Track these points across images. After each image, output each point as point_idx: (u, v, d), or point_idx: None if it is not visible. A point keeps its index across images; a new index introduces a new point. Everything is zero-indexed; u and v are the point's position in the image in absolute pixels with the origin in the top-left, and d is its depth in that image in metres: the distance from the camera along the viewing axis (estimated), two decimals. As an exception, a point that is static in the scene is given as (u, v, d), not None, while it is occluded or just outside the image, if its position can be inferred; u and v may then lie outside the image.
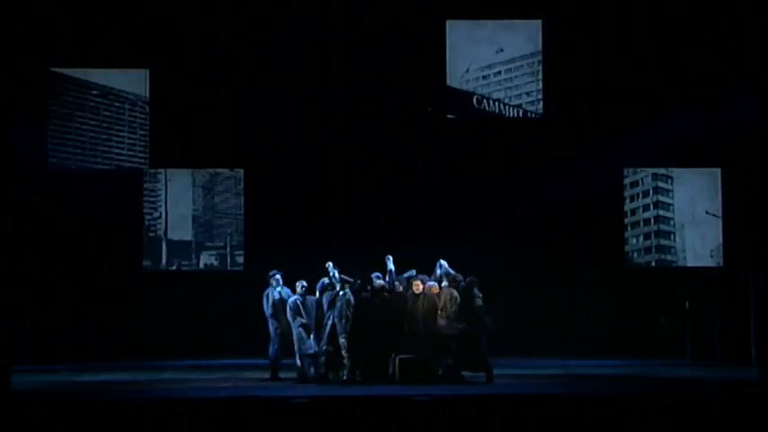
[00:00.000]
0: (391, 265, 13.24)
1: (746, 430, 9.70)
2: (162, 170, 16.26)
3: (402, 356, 12.64)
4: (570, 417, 10.00)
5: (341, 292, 12.81)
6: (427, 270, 13.22)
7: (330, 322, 12.81)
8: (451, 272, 13.00)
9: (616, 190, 16.34)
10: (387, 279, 13.13)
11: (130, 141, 16.00)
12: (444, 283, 12.86)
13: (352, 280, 12.93)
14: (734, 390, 11.90)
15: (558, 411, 10.17)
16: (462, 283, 12.82)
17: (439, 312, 12.62)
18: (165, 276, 16.26)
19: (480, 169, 16.38)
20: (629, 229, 16.43)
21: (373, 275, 13.09)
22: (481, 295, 12.77)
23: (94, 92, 15.87)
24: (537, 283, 16.17)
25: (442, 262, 13.13)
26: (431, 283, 12.98)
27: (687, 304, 16.20)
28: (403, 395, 11.23)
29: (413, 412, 10.34)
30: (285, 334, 13.14)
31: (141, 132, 15.99)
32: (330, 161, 16.33)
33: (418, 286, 12.83)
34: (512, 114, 16.00)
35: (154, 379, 13.52)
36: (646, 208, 16.42)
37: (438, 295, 12.75)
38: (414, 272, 13.17)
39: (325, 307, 12.96)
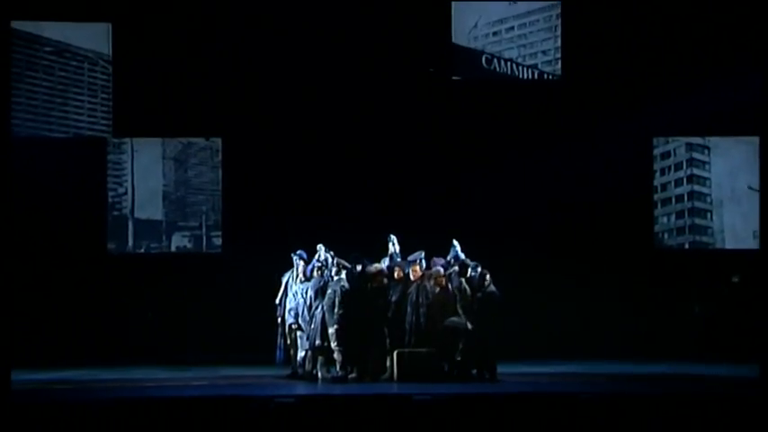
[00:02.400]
0: (393, 247, 13.23)
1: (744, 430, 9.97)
2: (127, 139, 16.25)
3: (400, 350, 12.67)
4: (569, 417, 10.12)
5: (335, 278, 12.81)
6: (433, 251, 13.23)
7: (319, 313, 12.82)
8: (461, 256, 13.01)
9: (644, 162, 16.35)
10: (389, 262, 13.15)
11: (90, 106, 15.98)
12: (455, 269, 12.88)
13: (349, 265, 12.94)
14: (732, 389, 12.04)
15: (560, 411, 10.27)
16: (473, 272, 12.83)
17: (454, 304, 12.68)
18: (131, 260, 16.24)
19: (489, 138, 16.30)
20: (659, 206, 16.48)
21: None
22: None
23: (48, 48, 15.85)
24: (553, 267, 16.14)
25: (455, 243, 13.15)
26: (438, 267, 12.99)
27: (726, 292, 16.21)
28: (401, 394, 11.33)
29: (412, 412, 10.33)
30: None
31: (103, 96, 15.96)
32: (320, 129, 16.27)
33: (416, 272, 12.86)
34: (526, 76, 15.97)
35: (120, 377, 13.52)
36: (678, 183, 16.45)
37: (444, 284, 12.77)
38: (422, 254, 13.17)
39: (313, 295, 12.97)
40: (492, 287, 12.82)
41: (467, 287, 12.73)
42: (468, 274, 12.83)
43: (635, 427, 10.13)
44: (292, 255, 13.43)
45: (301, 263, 13.31)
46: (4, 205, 11.93)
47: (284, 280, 13.53)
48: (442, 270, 12.98)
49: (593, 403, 10.54)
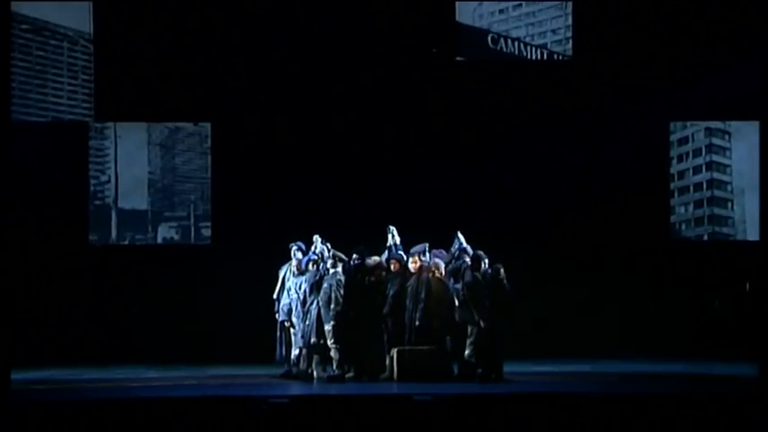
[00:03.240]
0: (393, 239, 13.20)
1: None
2: (110, 124, 16.29)
3: (400, 348, 12.66)
4: (569, 416, 10.22)
5: (331, 271, 12.80)
6: (436, 243, 13.21)
7: (314, 309, 12.83)
8: (469, 249, 12.99)
9: (661, 148, 16.32)
10: (387, 255, 13.14)
11: (71, 88, 15.97)
12: (462, 261, 12.86)
13: (346, 258, 12.92)
14: (732, 389, 12.15)
15: (561, 411, 10.36)
16: (486, 268, 12.82)
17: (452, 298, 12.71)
18: (115, 253, 16.27)
19: (495, 122, 16.36)
20: (676, 195, 16.47)
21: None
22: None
23: (24, 26, 15.82)
24: (561, 260, 16.18)
25: (459, 235, 13.12)
26: (437, 260, 12.97)
27: (748, 287, 16.18)
28: (401, 394, 11.36)
29: (412, 413, 10.34)
30: None
31: (84, 77, 15.96)
32: (316, 113, 16.27)
33: (415, 263, 12.84)
34: (534, 56, 15.93)
35: (105, 377, 13.55)
36: (697, 170, 16.46)
37: (443, 278, 12.77)
38: (426, 246, 13.14)
39: (308, 290, 12.97)
40: (504, 282, 12.81)
41: (482, 281, 12.69)
42: (482, 268, 12.80)
43: (634, 426, 10.16)
44: (291, 245, 13.39)
45: (299, 255, 13.26)
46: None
47: (281, 274, 13.50)
48: (441, 263, 12.95)
49: (594, 403, 10.63)
